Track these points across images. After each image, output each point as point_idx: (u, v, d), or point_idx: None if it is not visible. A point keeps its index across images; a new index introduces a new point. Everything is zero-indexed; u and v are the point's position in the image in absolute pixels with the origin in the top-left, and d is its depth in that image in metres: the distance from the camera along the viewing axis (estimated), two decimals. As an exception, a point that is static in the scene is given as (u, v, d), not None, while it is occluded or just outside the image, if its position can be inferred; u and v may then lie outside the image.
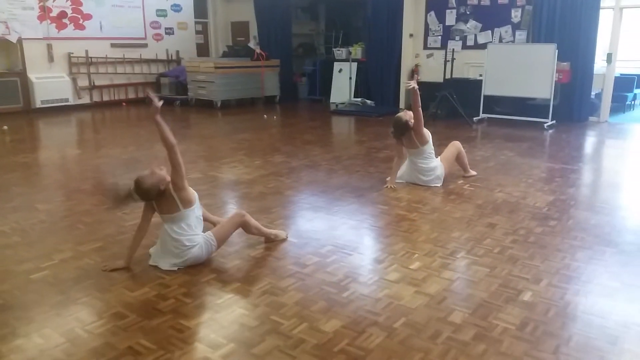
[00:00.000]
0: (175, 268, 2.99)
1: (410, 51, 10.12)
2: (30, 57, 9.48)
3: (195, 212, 3.06)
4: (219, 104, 10.27)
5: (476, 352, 2.20)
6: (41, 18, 9.56)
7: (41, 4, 9.52)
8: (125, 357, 2.17)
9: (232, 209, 4.15)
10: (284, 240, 3.46)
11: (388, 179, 4.79)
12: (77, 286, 2.79)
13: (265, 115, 9.47)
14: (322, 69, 11.79)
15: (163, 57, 11.37)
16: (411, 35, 10.05)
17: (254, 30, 12.07)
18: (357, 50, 10.94)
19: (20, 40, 9.32)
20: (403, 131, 4.68)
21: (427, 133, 4.73)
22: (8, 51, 9.45)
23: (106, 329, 2.38)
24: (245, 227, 3.29)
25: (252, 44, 11.59)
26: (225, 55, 11.43)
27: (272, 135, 7.74)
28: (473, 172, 5.11)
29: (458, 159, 5.01)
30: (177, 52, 11.61)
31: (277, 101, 11.33)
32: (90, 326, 2.40)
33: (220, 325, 2.42)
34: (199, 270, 2.99)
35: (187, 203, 3.00)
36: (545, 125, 7.96)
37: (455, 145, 5.00)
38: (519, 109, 8.61)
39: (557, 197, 4.42)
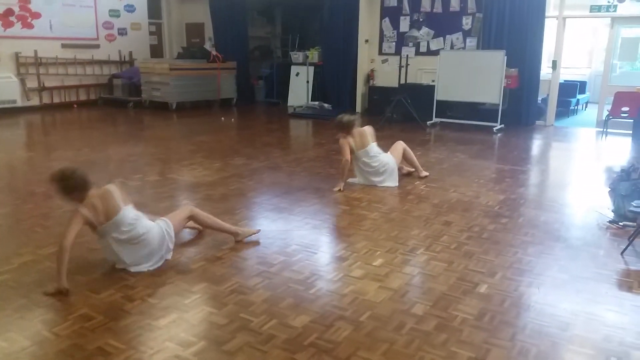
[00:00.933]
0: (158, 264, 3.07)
1: (366, 56, 10.32)
2: (-25, 57, 9.09)
3: (128, 213, 2.98)
4: (174, 106, 10.14)
5: (438, 341, 2.32)
6: (-14, 16, 9.18)
7: (-14, 1, 9.15)
8: (95, 358, 2.16)
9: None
10: (255, 234, 3.54)
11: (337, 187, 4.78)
12: (40, 289, 2.74)
13: (222, 118, 9.44)
14: (279, 72, 11.84)
15: (116, 58, 11.12)
16: (367, 40, 10.25)
17: (209, 32, 11.99)
18: (314, 54, 11.05)
19: (-36, 38, 8.92)
20: (346, 129, 4.82)
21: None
22: (-50, 50, 9.03)
23: (73, 330, 2.36)
24: (196, 218, 3.38)
25: (207, 46, 11.53)
26: (180, 56, 11.30)
27: (231, 138, 7.73)
28: (426, 173, 5.29)
29: (406, 157, 5.19)
30: (131, 53, 11.38)
31: (234, 104, 11.30)
32: (56, 328, 2.38)
33: (189, 324, 2.45)
34: (164, 272, 2.99)
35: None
36: (495, 129, 8.31)
37: (401, 144, 5.21)
38: (470, 114, 8.94)
39: (507, 196, 4.65)
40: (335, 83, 10.55)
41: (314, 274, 3.00)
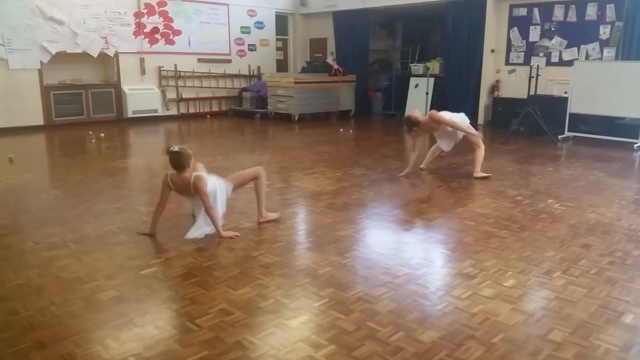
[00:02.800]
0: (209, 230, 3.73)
1: (491, 67, 9.97)
2: (125, 70, 10.21)
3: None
4: (296, 118, 10.55)
5: (581, 372, 2.16)
6: (136, 34, 10.28)
7: (137, 20, 10.24)
8: (234, 351, 2.31)
9: (317, 219, 4.27)
10: (274, 220, 4.11)
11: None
12: (184, 283, 2.99)
13: (341, 129, 9.63)
14: (397, 84, 11.84)
15: (245, 72, 11.85)
16: (492, 50, 9.90)
17: (331, 46, 12.34)
18: (434, 66, 10.90)
19: (117, 54, 10.06)
20: (411, 126, 5.74)
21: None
22: (105, 64, 10.23)
23: (214, 323, 2.54)
24: (257, 181, 4.02)
25: (329, 60, 11.86)
26: (304, 70, 11.75)
27: (350, 149, 7.86)
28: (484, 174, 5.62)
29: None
30: (259, 67, 12.07)
31: (352, 115, 11.49)
32: (198, 320, 2.57)
33: (319, 327, 2.52)
34: (294, 275, 3.12)
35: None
36: (636, 145, 7.58)
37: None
38: (606, 128, 8.24)
39: (655, 220, 4.21)
40: (457, 94, 10.31)
41: (440, 289, 2.94)
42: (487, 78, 9.96)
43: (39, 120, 9.29)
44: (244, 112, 11.47)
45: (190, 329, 2.50)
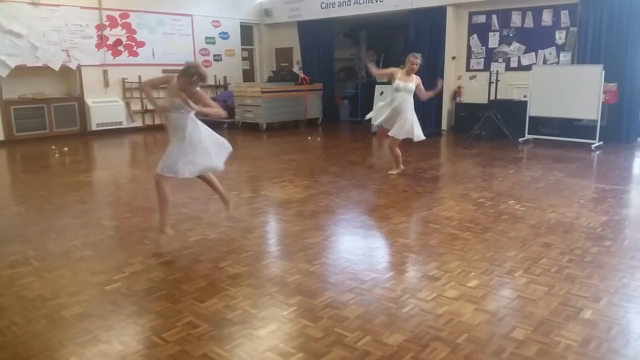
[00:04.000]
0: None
1: (453, 73, 10.19)
2: (88, 83, 10.03)
3: None
4: (264, 127, 10.55)
5: (541, 367, 2.23)
6: (99, 46, 10.13)
7: (99, 32, 10.09)
8: (201, 363, 2.30)
9: (285, 227, 4.29)
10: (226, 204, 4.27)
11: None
12: (149, 297, 2.96)
13: (309, 137, 9.68)
14: (363, 91, 11.98)
15: (212, 82, 11.80)
16: (454, 57, 10.13)
17: (297, 55, 12.41)
18: (399, 73, 11.06)
19: (79, 67, 9.89)
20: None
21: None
22: (67, 77, 10.03)
23: (180, 337, 2.53)
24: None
25: (295, 69, 11.92)
26: (270, 80, 11.77)
27: (318, 156, 7.90)
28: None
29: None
30: (225, 77, 12.04)
31: (320, 123, 11.56)
32: (165, 334, 2.55)
33: (288, 335, 2.53)
34: (262, 284, 3.12)
35: None
36: (593, 146, 7.85)
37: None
38: (565, 130, 8.52)
39: (610, 217, 4.37)
40: (421, 101, 10.45)
41: (406, 292, 2.99)
42: (449, 84, 10.17)
43: (-1, 136, 9.04)
44: (211, 122, 11.37)
45: (157, 343, 2.47)
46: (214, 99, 11.38)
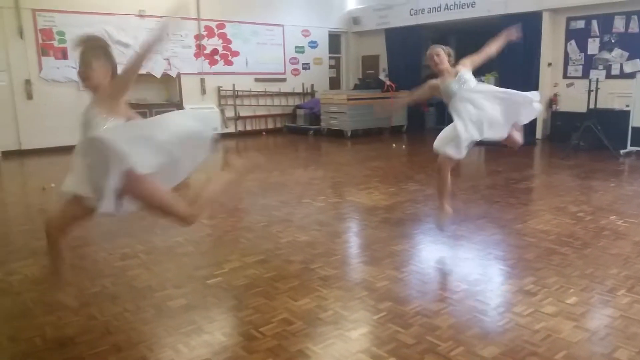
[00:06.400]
0: None
1: (549, 80, 9.76)
2: (186, 90, 10.67)
3: None
4: (349, 134, 10.67)
5: (650, 392, 2.11)
6: (197, 55, 10.75)
7: (197, 42, 10.71)
8: (297, 359, 2.40)
9: (372, 233, 4.33)
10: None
11: None
12: (247, 292, 3.12)
13: (394, 144, 9.66)
14: (451, 99, 11.75)
15: (299, 90, 12.13)
16: (549, 64, 9.70)
17: (384, 63, 12.44)
18: (489, 80, 10.75)
19: (178, 75, 10.54)
20: None
21: None
22: (168, 85, 10.73)
23: (277, 332, 2.65)
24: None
25: (382, 76, 11.95)
26: (356, 87, 11.89)
27: (403, 164, 7.88)
28: None
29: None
30: (312, 85, 12.32)
31: (404, 130, 11.50)
32: (263, 328, 2.68)
33: (379, 339, 2.57)
34: (351, 288, 3.18)
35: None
36: None
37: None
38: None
39: None
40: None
41: (501, 306, 2.93)
42: (544, 91, 9.74)
43: (107, 139, 9.83)
44: (298, 128, 11.71)
45: (255, 337, 2.61)
46: (300, 106, 11.74)
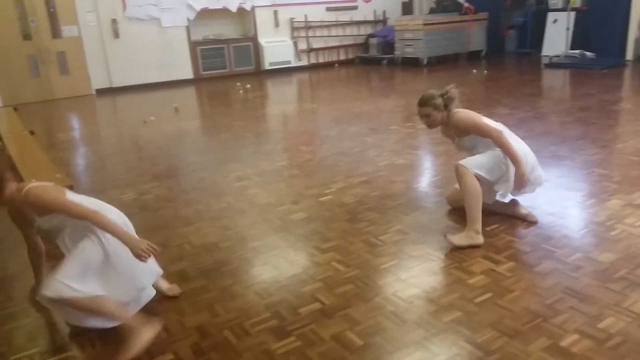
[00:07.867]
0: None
1: (643, -3, 9.02)
2: (260, 24, 10.73)
3: None
4: (425, 61, 10.45)
5: None
6: (270, -13, 10.69)
7: (269, -26, 10.62)
8: (414, 259, 2.62)
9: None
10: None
11: None
12: (359, 207, 3.36)
13: (474, 70, 9.41)
14: (533, 20, 11.15)
15: (371, 18, 11.87)
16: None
17: (461, -16, 11.84)
18: (575, 1, 10.08)
19: (253, 8, 10.60)
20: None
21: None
22: (243, 18, 10.83)
23: (395, 240, 2.86)
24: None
25: (459, -2, 11.42)
26: (432, 11, 11.48)
27: (488, 89, 7.72)
28: None
29: None
30: (384, 12, 12.01)
31: (483, 56, 11.11)
32: (382, 237, 2.91)
33: (495, 247, 2.73)
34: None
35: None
36: None
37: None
38: None
39: None
40: (602, 29, 9.51)
41: (612, 218, 2.97)
42: (637, 8, 9.04)
43: (189, 74, 10.21)
44: (371, 59, 11.57)
45: (376, 244, 2.85)
46: (373, 35, 11.53)
